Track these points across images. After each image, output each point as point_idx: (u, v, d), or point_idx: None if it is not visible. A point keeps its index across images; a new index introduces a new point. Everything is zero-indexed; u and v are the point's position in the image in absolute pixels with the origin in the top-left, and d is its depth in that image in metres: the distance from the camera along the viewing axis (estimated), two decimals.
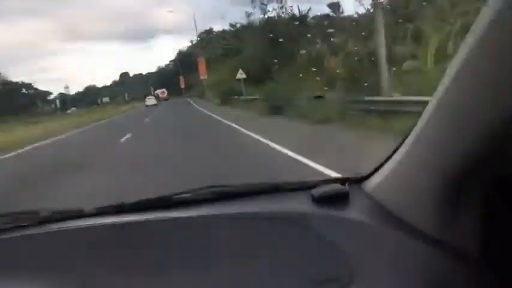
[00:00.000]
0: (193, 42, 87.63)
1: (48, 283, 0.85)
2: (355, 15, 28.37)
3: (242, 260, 0.87)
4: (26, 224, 1.03)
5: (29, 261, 0.93)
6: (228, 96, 28.78)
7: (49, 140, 18.79)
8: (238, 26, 79.90)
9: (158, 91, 78.69)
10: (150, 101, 57.54)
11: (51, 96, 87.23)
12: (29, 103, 57.07)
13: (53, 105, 74.73)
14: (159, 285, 0.84)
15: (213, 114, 20.76)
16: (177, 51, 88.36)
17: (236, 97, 26.93)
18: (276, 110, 15.09)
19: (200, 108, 28.57)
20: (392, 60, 14.58)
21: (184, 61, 75.98)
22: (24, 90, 62.83)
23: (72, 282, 0.85)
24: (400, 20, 18.75)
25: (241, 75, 28.65)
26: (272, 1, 32.41)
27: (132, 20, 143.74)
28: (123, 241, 0.97)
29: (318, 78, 18.34)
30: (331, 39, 24.72)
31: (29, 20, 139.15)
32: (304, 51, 25.85)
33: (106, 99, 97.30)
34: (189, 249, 0.92)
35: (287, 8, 32.74)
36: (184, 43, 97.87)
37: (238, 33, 77.06)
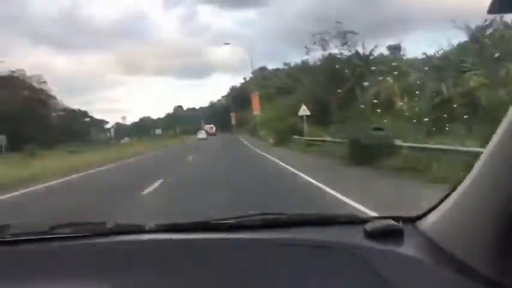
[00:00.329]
0: (247, 79, 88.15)
1: None
2: (423, 56, 25.70)
3: (291, 284, 0.87)
4: (92, 234, 1.14)
5: (93, 267, 1.01)
6: (285, 135, 25.24)
7: (63, 179, 13.93)
8: (292, 64, 79.08)
9: (207, 126, 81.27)
10: (201, 134, 61.74)
11: (108, 125, 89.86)
12: (83, 131, 58.04)
13: (108, 134, 76.04)
14: None
15: (273, 159, 16.09)
16: (229, 87, 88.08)
17: (297, 137, 23.12)
18: (362, 157, 10.99)
19: (255, 149, 24.62)
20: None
21: (237, 97, 75.57)
22: (81, 118, 64.36)
23: None
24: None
25: (304, 111, 23.96)
26: (333, 38, 30.26)
27: (190, 58, 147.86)
28: (178, 256, 1.02)
29: (385, 121, 15.73)
30: (401, 78, 22.01)
31: (93, 54, 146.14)
32: (371, 89, 23.25)
33: (158, 131, 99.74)
34: (239, 270, 0.94)
35: (349, 45, 30.43)
36: (237, 80, 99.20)
37: (292, 72, 76.08)
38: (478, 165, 0.77)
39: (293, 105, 34.30)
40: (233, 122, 71.43)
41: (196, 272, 0.96)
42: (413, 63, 26.21)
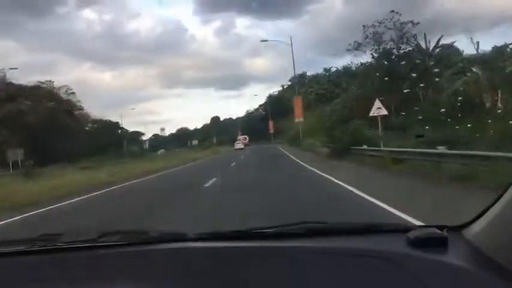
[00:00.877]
0: (284, 87, 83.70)
1: None
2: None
3: None
4: (137, 242, 1.18)
5: (135, 274, 1.04)
6: (343, 144, 17.81)
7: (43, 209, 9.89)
8: (333, 70, 74.07)
9: (240, 137, 79.49)
10: (238, 145, 62.84)
11: (145, 137, 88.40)
12: (115, 143, 55.44)
13: (144, 146, 74.00)
14: None
15: (363, 195, 7.67)
16: (267, 95, 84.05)
17: (365, 147, 16.05)
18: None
19: (307, 165, 16.59)
20: None
21: (274, 105, 71.19)
22: (113, 130, 62.26)
23: None
24: None
25: (379, 110, 15.89)
26: (388, 30, 25.43)
27: (228, 69, 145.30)
28: (218, 265, 1.03)
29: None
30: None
31: (135, 68, 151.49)
32: (447, 88, 18.40)
33: (195, 142, 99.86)
34: (279, 279, 0.94)
35: (409, 38, 25.43)
36: (275, 89, 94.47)
37: (333, 77, 71.12)
38: None
39: (338, 110, 29.74)
40: (271, 130, 67.46)
41: (236, 281, 0.96)
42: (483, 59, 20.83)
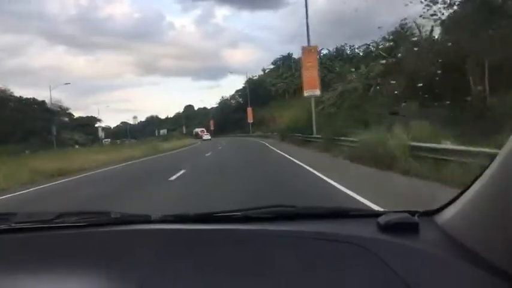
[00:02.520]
0: (266, 71, 71.95)
1: (107, 277, 0.90)
2: None
3: (299, 276, 0.85)
4: (98, 223, 1.14)
5: (95, 255, 1.00)
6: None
7: None
8: (331, 50, 62.82)
9: (198, 129, 74.00)
10: (206, 136, 58.60)
11: (103, 124, 75.82)
12: (37, 129, 41.82)
13: (100, 134, 61.20)
14: None
15: None
16: (245, 79, 71.60)
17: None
18: None
19: None
20: None
21: (254, 92, 59.04)
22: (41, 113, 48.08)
23: (131, 280, 0.87)
24: None
25: None
26: None
27: (206, 59, 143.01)
28: (183, 247, 1.00)
29: None
30: None
31: (111, 55, 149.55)
32: None
33: (163, 131, 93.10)
34: (246, 262, 0.91)
35: None
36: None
37: (324, 61, 60.18)
38: (497, 159, 0.76)
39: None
40: (250, 119, 54.85)
41: (201, 264, 0.93)
42: None
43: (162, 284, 0.87)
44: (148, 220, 1.16)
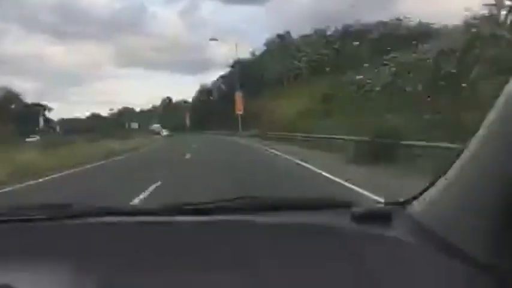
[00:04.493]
0: (256, 53, 58.69)
1: (68, 272, 0.86)
2: None
3: (274, 268, 0.83)
4: (62, 216, 1.11)
5: (54, 249, 0.96)
6: None
7: None
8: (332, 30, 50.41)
9: (154, 126, 69.97)
10: (165, 132, 55.73)
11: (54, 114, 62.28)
12: None
13: (40, 124, 47.38)
14: (177, 285, 0.81)
15: None
16: (230, 62, 57.32)
17: None
18: None
19: None
20: None
21: (243, 78, 45.16)
22: None
23: (91, 275, 0.84)
24: None
25: None
26: None
27: (189, 52, 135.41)
28: (147, 240, 0.98)
29: None
30: None
31: (90, 44, 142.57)
32: None
33: (135, 125, 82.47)
34: (219, 253, 0.89)
35: None
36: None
37: (332, 39, 47.90)
38: (469, 148, 0.76)
39: None
40: (239, 110, 38.50)
41: (171, 256, 0.90)
42: None
43: (130, 278, 0.83)
44: (111, 212, 1.14)
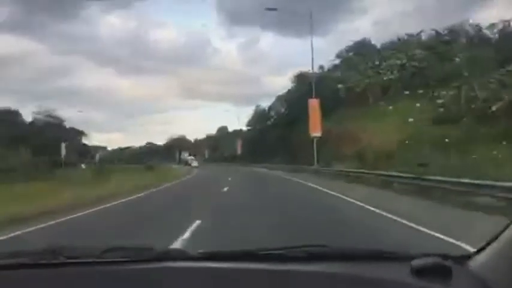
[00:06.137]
0: (326, 69, 46.74)
1: None
2: None
3: None
4: (140, 260, 1.17)
5: None
6: None
7: None
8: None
9: (185, 154, 74.34)
10: (195, 162, 59.13)
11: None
12: None
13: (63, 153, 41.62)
14: None
15: None
16: (292, 76, 46.63)
17: None
18: None
19: None
20: None
21: (311, 94, 32.84)
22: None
23: None
24: None
25: None
26: None
27: (248, 85, 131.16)
28: (219, 285, 1.04)
29: None
30: None
31: (156, 78, 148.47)
32: None
33: (186, 155, 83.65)
34: None
35: None
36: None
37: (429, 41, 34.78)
38: None
39: None
40: (315, 131, 24.36)
41: None
42: None
43: None
44: (187, 257, 1.20)
